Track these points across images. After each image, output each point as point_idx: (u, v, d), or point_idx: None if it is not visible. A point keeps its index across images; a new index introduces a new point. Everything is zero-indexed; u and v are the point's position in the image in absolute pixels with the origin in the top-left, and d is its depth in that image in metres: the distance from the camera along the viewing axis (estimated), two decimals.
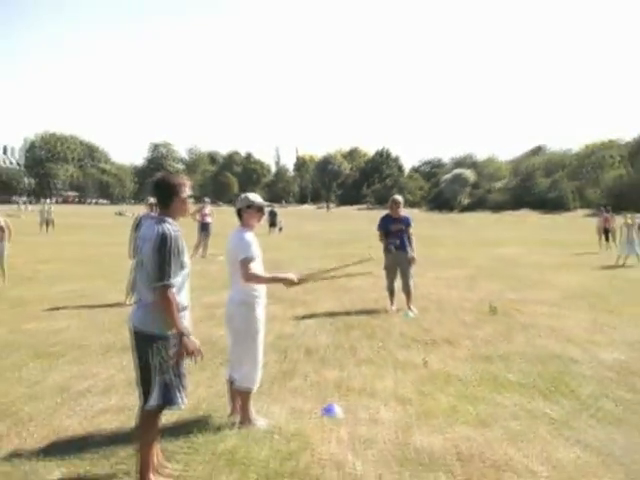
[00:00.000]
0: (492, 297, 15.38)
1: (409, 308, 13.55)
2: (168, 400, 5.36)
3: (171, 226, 5.34)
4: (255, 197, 7.24)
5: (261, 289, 7.11)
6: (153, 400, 5.33)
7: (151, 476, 5.47)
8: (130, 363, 9.07)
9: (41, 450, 6.28)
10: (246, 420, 6.93)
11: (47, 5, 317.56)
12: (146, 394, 5.44)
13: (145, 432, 5.48)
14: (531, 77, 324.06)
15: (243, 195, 7.29)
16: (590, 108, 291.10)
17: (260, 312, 7.04)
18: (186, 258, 5.45)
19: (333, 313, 13.49)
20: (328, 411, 7.36)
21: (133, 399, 7.58)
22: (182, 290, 5.45)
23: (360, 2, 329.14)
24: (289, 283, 7.11)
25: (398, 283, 13.92)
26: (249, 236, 7.00)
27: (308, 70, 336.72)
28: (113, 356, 9.85)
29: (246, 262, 6.77)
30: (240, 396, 7.04)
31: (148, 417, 5.46)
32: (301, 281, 7.23)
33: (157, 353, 5.30)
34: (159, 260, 5.17)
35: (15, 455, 6.18)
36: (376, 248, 14.22)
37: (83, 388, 8.26)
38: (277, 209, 52.90)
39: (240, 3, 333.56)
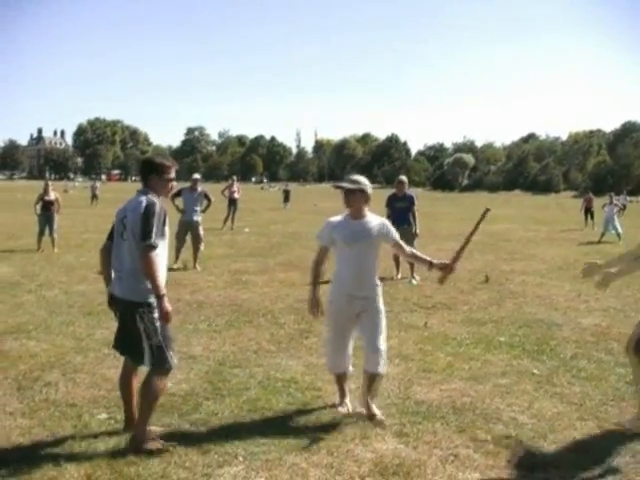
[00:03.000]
0: (486, 268, 15.36)
1: (412, 276, 13.55)
2: (160, 362, 5.08)
3: (155, 198, 5.14)
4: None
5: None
6: (146, 363, 5.11)
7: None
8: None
9: (88, 396, 6.34)
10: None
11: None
12: (135, 358, 5.24)
13: (146, 393, 5.14)
14: (526, 69, 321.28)
15: None
16: (576, 99, 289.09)
17: None
18: (167, 229, 5.20)
19: None
20: None
21: None
22: (162, 259, 5.15)
23: None
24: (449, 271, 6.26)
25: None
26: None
27: (327, 62, 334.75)
28: None
29: None
30: (374, 382, 5.92)
31: (150, 377, 5.15)
32: (454, 264, 6.35)
33: (141, 319, 5.01)
34: (143, 223, 4.93)
35: (67, 399, 6.24)
36: None
37: None
38: (290, 187, 52.45)
39: None
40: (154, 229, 4.93)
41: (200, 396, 6.34)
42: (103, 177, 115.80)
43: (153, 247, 4.92)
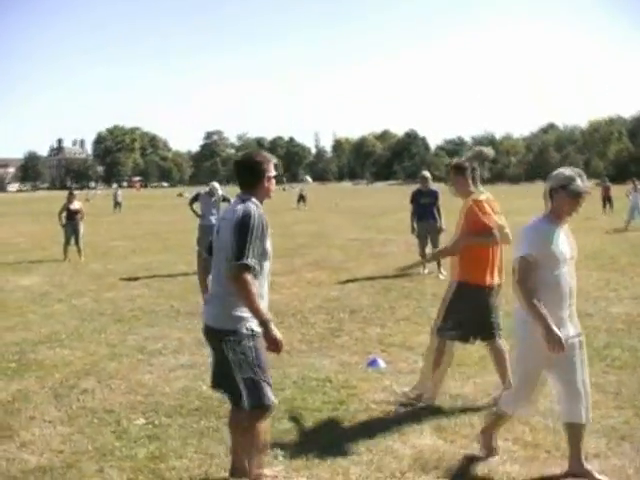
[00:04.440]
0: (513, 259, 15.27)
1: (440, 271, 13.54)
2: (256, 399, 4.28)
3: (256, 206, 4.33)
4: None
5: None
6: (244, 401, 4.30)
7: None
8: (197, 325, 9.31)
9: (125, 402, 6.40)
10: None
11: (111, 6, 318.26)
12: (231, 396, 4.49)
13: (246, 437, 4.45)
14: (541, 59, 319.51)
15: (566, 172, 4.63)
16: (593, 87, 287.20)
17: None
18: (269, 246, 4.38)
19: (372, 277, 13.51)
20: (373, 363, 7.42)
21: (201, 358, 7.74)
22: (262, 282, 4.38)
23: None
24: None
25: (429, 249, 13.91)
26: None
27: (343, 63, 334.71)
28: (181, 320, 9.98)
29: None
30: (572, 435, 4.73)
31: (248, 420, 4.40)
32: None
33: (229, 350, 4.26)
34: (237, 238, 4.15)
35: (104, 405, 6.30)
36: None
37: (157, 348, 8.38)
38: (305, 188, 52.01)
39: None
40: (249, 245, 4.15)
41: None
42: (119, 185, 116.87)
43: (248, 268, 4.13)
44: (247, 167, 4.48)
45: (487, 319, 6.29)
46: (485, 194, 6.39)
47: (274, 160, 4.56)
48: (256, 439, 4.42)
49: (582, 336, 4.84)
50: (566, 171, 4.64)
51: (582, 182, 4.55)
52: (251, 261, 4.14)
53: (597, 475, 4.59)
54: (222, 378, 4.46)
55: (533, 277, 4.57)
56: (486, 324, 6.29)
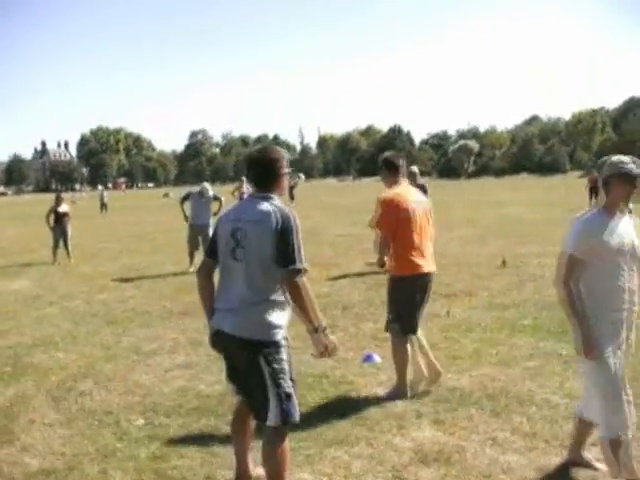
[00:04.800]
0: (501, 252, 15.36)
1: None
2: (288, 415, 4.06)
3: (284, 205, 4.12)
4: None
5: None
6: (273, 418, 4.01)
7: None
8: (190, 325, 9.36)
9: (123, 403, 6.42)
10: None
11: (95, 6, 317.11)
12: (257, 412, 4.17)
13: (274, 463, 4.10)
14: (524, 51, 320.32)
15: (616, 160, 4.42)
16: (576, 78, 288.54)
17: None
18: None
19: (363, 273, 13.53)
20: (368, 358, 7.47)
21: (196, 358, 7.82)
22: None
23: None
24: None
25: None
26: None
27: (326, 57, 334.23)
28: (174, 320, 9.98)
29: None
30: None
31: (276, 438, 4.11)
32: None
33: (266, 363, 3.97)
34: (283, 242, 3.91)
35: (102, 407, 6.31)
36: None
37: (152, 348, 8.38)
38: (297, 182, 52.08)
39: None
40: (298, 247, 3.95)
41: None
42: (105, 186, 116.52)
43: (301, 272, 3.94)
44: (263, 164, 4.20)
45: (418, 310, 6.41)
46: (400, 187, 6.39)
47: (287, 156, 4.34)
48: (282, 465, 4.08)
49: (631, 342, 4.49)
50: (617, 157, 4.44)
51: (636, 167, 4.30)
52: (303, 264, 3.96)
53: (596, 463, 4.65)
54: (249, 392, 4.16)
55: (578, 274, 4.31)
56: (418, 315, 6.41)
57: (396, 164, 6.55)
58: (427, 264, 6.35)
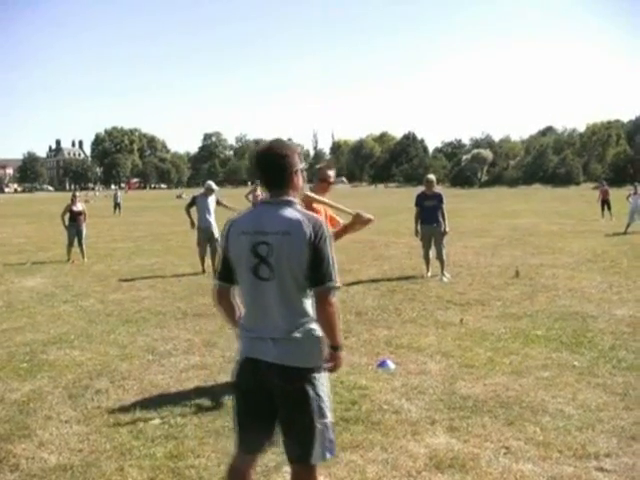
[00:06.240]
0: (515, 263, 15.37)
1: (443, 274, 13.61)
2: (332, 448, 3.62)
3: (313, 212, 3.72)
4: None
5: None
6: (319, 453, 3.54)
7: None
8: (205, 327, 9.42)
9: (139, 402, 6.47)
10: None
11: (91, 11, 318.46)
12: (296, 450, 3.58)
13: None
14: (539, 62, 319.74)
15: None
16: (592, 90, 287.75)
17: None
18: None
19: (376, 280, 13.58)
20: (382, 364, 7.50)
21: (211, 359, 7.87)
22: None
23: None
24: None
25: (432, 252, 14.00)
26: None
27: (340, 63, 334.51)
28: (188, 321, 10.03)
29: None
30: None
31: (307, 477, 3.66)
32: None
33: (315, 392, 3.50)
34: (323, 256, 3.43)
35: (119, 406, 6.38)
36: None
37: (167, 349, 8.44)
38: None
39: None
40: (333, 262, 3.48)
41: None
42: (118, 186, 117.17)
43: (337, 289, 3.53)
44: (271, 162, 3.61)
45: None
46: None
47: (299, 149, 3.78)
48: None
49: None
50: None
51: None
52: (338, 280, 3.53)
53: None
54: (288, 429, 3.58)
55: None
56: None
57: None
58: None
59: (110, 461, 5.10)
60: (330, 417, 3.59)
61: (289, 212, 3.51)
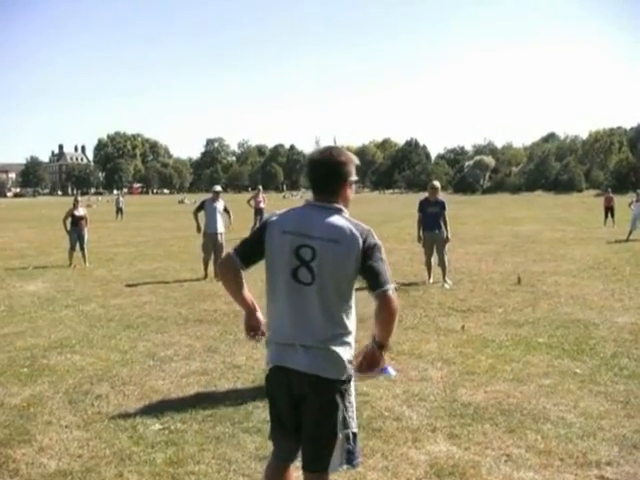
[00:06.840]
0: (517, 270, 15.34)
1: (445, 281, 13.60)
2: (357, 459, 3.56)
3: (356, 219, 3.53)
4: None
5: None
6: (337, 462, 3.48)
7: None
8: (206, 332, 9.41)
9: (139, 407, 6.45)
10: None
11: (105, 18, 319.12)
12: (316, 458, 3.51)
13: None
14: (542, 69, 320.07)
15: None
16: (594, 97, 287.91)
17: None
18: None
19: None
20: (383, 371, 7.47)
21: (212, 365, 7.84)
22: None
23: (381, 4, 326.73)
24: None
25: (434, 258, 13.99)
26: None
27: (342, 68, 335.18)
28: (189, 327, 10.01)
29: None
30: None
31: None
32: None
33: (343, 404, 3.44)
34: (371, 263, 3.35)
35: (119, 411, 6.35)
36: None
37: (168, 354, 8.42)
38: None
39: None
40: (387, 266, 3.44)
41: (250, 404, 6.41)
42: (120, 191, 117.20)
43: (396, 290, 3.44)
44: (326, 166, 3.53)
45: None
46: None
47: (357, 162, 3.68)
48: None
49: None
50: None
51: None
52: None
53: None
54: (314, 438, 3.50)
55: None
56: None
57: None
58: None
59: (110, 467, 5.09)
60: (354, 427, 3.52)
61: (339, 220, 3.43)
